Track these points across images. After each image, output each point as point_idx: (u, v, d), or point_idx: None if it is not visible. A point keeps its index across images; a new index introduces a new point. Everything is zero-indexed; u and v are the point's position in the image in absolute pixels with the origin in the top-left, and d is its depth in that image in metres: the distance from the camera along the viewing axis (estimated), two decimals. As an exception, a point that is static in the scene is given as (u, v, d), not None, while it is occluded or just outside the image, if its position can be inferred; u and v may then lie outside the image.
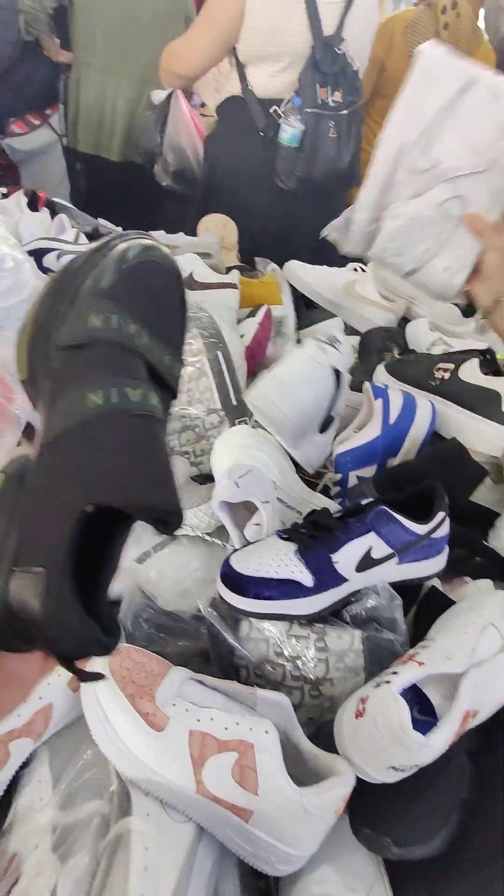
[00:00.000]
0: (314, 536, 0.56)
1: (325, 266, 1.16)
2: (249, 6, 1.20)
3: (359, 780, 0.48)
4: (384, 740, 0.46)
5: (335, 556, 0.55)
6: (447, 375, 0.87)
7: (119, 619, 0.33)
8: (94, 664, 0.49)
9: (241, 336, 0.94)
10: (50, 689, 0.50)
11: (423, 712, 0.52)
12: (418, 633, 0.61)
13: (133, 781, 0.47)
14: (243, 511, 0.68)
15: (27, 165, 2.14)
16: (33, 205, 1.14)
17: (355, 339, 1.08)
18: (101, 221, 1.29)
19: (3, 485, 0.29)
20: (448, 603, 0.61)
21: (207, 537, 0.68)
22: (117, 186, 1.97)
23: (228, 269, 1.06)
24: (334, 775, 0.48)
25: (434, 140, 0.64)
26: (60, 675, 0.52)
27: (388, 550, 0.56)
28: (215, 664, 0.57)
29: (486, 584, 0.65)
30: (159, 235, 1.14)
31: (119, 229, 1.24)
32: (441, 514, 0.58)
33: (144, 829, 0.45)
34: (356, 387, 0.91)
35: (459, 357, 0.87)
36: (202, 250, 1.06)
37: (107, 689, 0.48)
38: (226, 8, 1.23)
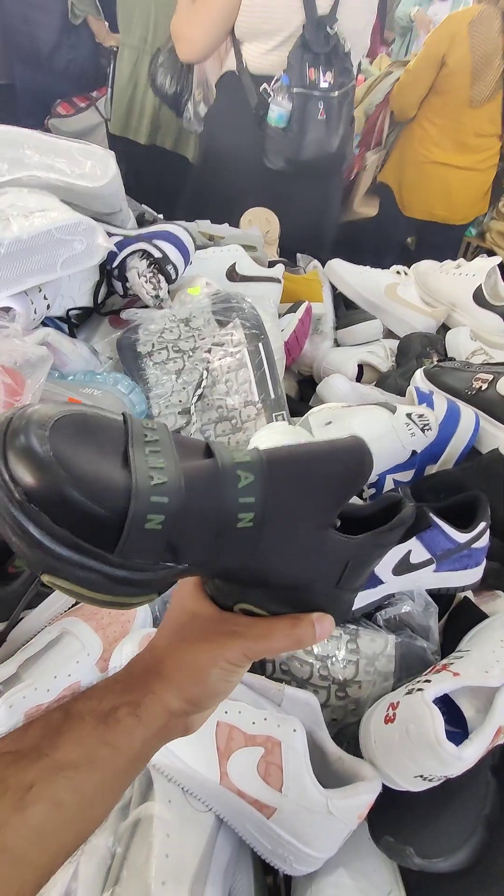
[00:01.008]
0: (353, 535, 0.55)
1: (367, 266, 1.14)
2: None
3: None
4: (415, 748, 0.45)
5: (373, 558, 0.54)
6: (484, 386, 0.86)
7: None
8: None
9: (281, 330, 0.93)
10: (79, 667, 0.50)
11: (449, 723, 0.51)
12: (447, 642, 0.60)
13: (156, 766, 0.47)
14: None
15: (70, 148, 2.15)
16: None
17: (393, 343, 1.07)
18: (145, 207, 1.29)
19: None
20: (481, 615, 0.60)
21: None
22: (150, 172, 1.96)
23: (271, 264, 1.06)
24: (359, 780, 0.47)
25: None
26: (90, 653, 0.51)
27: (427, 556, 0.55)
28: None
29: (520, 599, 0.63)
30: (204, 225, 1.13)
31: (160, 216, 1.24)
32: (483, 525, 0.57)
33: (167, 816, 0.44)
34: (396, 390, 0.90)
35: (500, 369, 0.85)
36: (247, 243, 1.05)
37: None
38: None
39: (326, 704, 0.54)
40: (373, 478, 0.73)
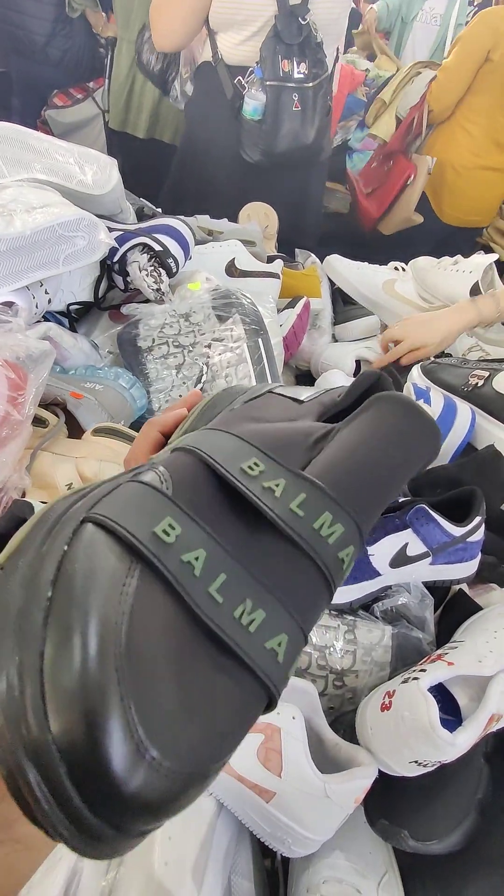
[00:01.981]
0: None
1: (365, 262, 1.15)
2: None
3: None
4: (410, 735, 0.46)
5: (371, 549, 0.55)
6: (480, 383, 0.87)
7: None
8: None
9: (280, 326, 0.94)
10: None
11: (444, 711, 0.52)
12: (442, 633, 0.62)
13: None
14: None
15: (67, 138, 2.13)
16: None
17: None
18: (144, 201, 1.29)
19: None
20: (475, 607, 0.61)
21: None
22: (146, 165, 1.95)
23: (270, 259, 1.06)
24: (356, 765, 0.49)
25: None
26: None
27: (424, 549, 0.56)
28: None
29: (513, 591, 0.65)
30: (203, 220, 1.14)
31: (159, 210, 1.24)
32: (478, 519, 0.58)
33: (170, 799, 0.45)
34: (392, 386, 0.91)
35: (496, 365, 0.87)
36: (246, 238, 1.05)
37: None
38: None
39: (324, 693, 0.56)
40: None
